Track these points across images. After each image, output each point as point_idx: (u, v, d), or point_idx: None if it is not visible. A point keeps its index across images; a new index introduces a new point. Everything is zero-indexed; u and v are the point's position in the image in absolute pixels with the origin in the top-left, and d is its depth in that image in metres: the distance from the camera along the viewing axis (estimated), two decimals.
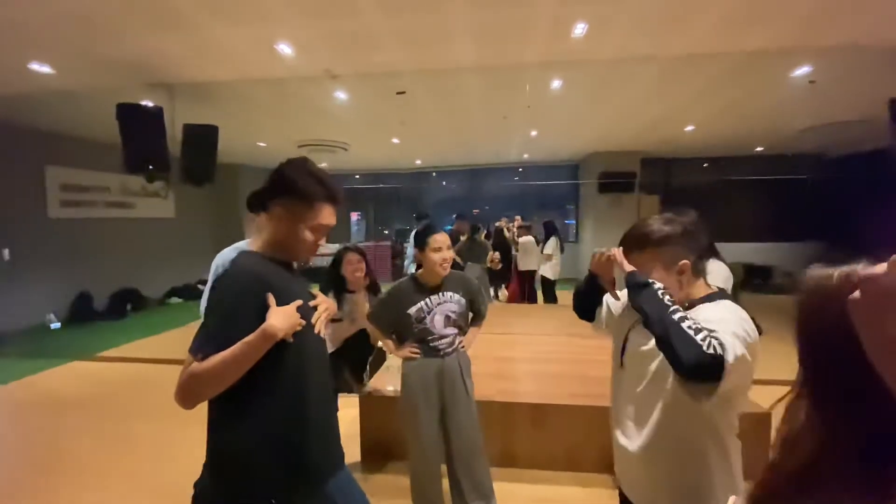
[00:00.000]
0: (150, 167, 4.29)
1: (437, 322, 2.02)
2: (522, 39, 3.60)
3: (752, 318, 1.15)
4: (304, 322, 1.11)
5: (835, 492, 0.44)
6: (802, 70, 4.39)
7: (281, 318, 1.05)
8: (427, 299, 2.02)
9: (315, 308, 1.22)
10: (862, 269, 0.47)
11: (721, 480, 1.12)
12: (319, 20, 3.21)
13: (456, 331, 2.07)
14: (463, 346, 2.12)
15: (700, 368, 0.93)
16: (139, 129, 4.19)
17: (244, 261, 1.13)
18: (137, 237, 8.05)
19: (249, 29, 3.33)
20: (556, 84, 4.82)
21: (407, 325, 2.04)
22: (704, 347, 0.93)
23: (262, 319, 1.04)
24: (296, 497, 1.09)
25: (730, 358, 0.92)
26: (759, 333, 1.41)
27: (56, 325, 6.53)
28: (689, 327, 0.96)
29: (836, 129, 6.75)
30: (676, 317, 0.98)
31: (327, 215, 1.18)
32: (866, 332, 0.42)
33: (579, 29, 3.39)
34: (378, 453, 2.73)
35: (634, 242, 1.21)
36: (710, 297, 1.17)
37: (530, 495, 2.43)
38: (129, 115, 4.20)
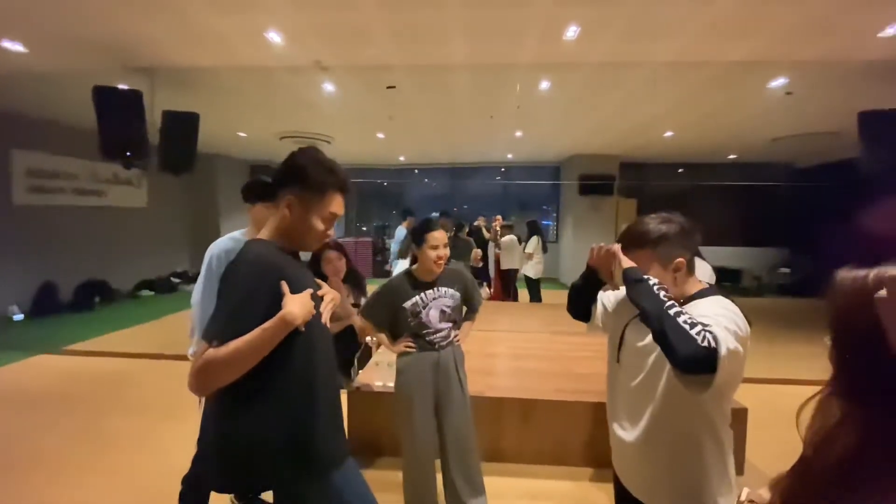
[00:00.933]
0: (128, 153, 4.12)
1: (432, 316, 2.03)
2: (515, 39, 3.63)
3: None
4: (315, 311, 1.10)
5: (873, 486, 0.46)
6: (779, 81, 4.58)
7: (298, 306, 1.04)
8: (422, 294, 2.02)
9: (321, 298, 1.21)
10: (893, 269, 0.49)
11: (716, 469, 1.17)
12: (313, 10, 3.16)
13: (451, 325, 2.09)
14: (458, 340, 2.14)
15: (695, 361, 0.97)
16: (117, 113, 4.02)
17: (257, 248, 1.11)
18: (107, 227, 7.73)
19: (239, 15, 3.25)
20: (544, 85, 4.88)
21: (402, 319, 2.04)
22: (699, 341, 0.96)
23: (277, 306, 1.03)
24: (302, 486, 1.08)
25: (723, 351, 0.96)
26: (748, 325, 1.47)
27: (19, 316, 6.22)
28: (685, 322, 0.99)
29: (806, 140, 7.06)
30: (672, 311, 1.02)
31: (337, 204, 1.19)
32: (893, 328, 0.44)
33: (572, 31, 3.44)
34: (367, 449, 2.71)
35: (633, 240, 1.24)
36: (702, 293, 1.21)
37: (518, 489, 2.46)
38: (107, 98, 4.02)
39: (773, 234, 9.75)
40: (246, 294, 1.03)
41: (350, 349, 3.00)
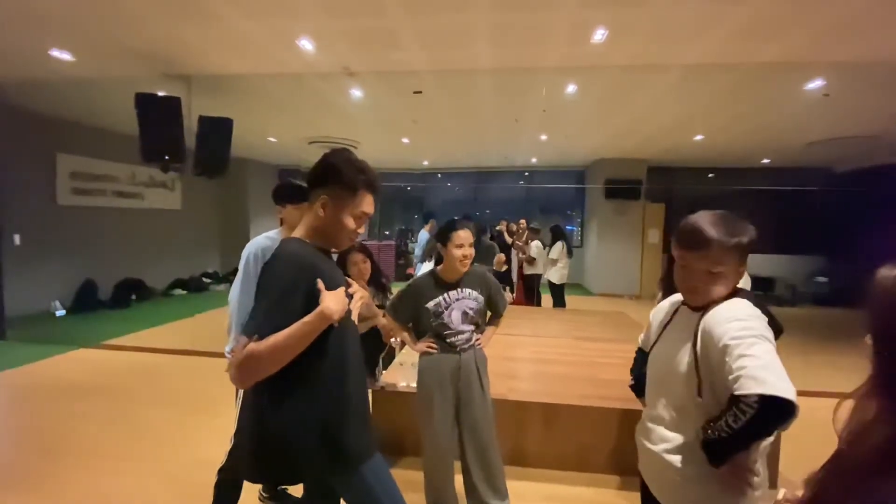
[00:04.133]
0: (167, 157, 4.30)
1: (454, 317, 2.03)
2: (542, 43, 3.63)
3: (773, 316, 1.17)
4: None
5: None
6: (815, 83, 4.43)
7: (335, 301, 1.08)
8: (446, 294, 2.03)
9: (351, 296, 1.25)
10: None
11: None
12: (343, 17, 3.25)
13: (473, 327, 2.08)
14: (480, 344, 2.13)
15: (777, 422, 0.96)
16: (157, 119, 4.21)
17: (293, 246, 1.16)
18: (143, 228, 8.07)
19: (273, 22, 3.36)
20: (570, 89, 4.85)
21: (425, 319, 2.05)
22: (757, 413, 0.93)
23: (313, 302, 1.07)
24: (334, 478, 1.11)
25: (775, 390, 0.93)
26: (781, 331, 1.42)
27: (61, 312, 6.54)
28: (737, 421, 0.96)
29: (843, 144, 6.79)
30: (732, 432, 0.98)
31: (368, 203, 1.23)
32: None
33: (599, 34, 3.42)
34: (390, 448, 2.74)
35: (726, 236, 1.11)
36: (729, 295, 1.19)
37: (540, 493, 2.44)
38: (148, 105, 4.23)
39: (809, 241, 9.36)
40: (284, 290, 1.07)
41: (375, 349, 3.04)
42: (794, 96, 4.83)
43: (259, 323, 1.04)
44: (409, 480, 2.52)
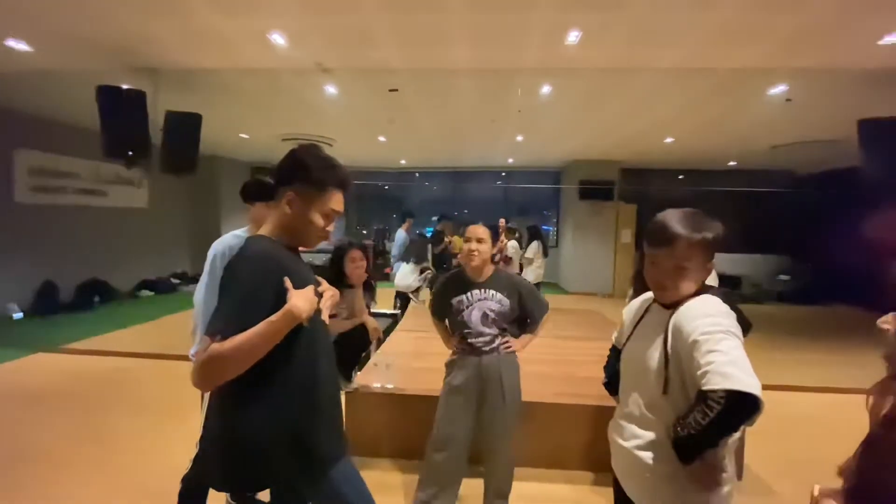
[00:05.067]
0: (131, 153, 4.13)
1: (473, 317, 2.01)
2: (518, 43, 3.65)
3: (741, 311, 1.20)
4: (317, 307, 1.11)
5: None
6: (779, 89, 4.60)
7: (303, 300, 1.05)
8: (469, 293, 2.02)
9: (321, 294, 1.22)
10: None
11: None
12: (317, 12, 3.18)
13: (496, 331, 2.03)
14: (507, 348, 2.06)
15: (743, 416, 0.96)
16: (120, 113, 4.04)
17: (259, 244, 1.12)
18: (108, 227, 7.73)
19: (244, 16, 3.26)
20: (546, 90, 4.89)
21: (450, 314, 2.07)
22: (726, 410, 0.95)
23: (280, 301, 1.04)
24: (301, 483, 1.08)
25: (741, 385, 0.94)
26: (749, 328, 1.46)
27: (18, 315, 6.21)
28: (704, 417, 0.97)
29: (806, 148, 7.08)
30: (700, 428, 0.99)
31: (337, 201, 1.20)
32: None
33: (573, 36, 3.46)
34: (364, 451, 2.70)
35: (692, 231, 1.13)
36: (697, 292, 1.21)
37: (517, 492, 2.42)
38: (111, 98, 4.05)
39: (774, 241, 9.75)
40: (249, 289, 1.04)
41: (357, 350, 2.99)
42: (759, 101, 5.00)
43: (222, 323, 1.00)
44: (383, 483, 2.50)
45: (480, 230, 2.00)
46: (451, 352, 2.15)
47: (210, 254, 1.92)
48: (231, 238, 1.95)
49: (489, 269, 2.06)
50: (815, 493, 0.69)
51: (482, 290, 2.02)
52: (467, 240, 1.99)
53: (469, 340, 2.03)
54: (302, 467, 1.08)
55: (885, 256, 5.91)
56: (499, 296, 2.02)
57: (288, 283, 1.06)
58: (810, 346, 5.80)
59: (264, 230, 1.18)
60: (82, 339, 5.24)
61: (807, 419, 3.56)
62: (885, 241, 5.69)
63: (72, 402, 3.56)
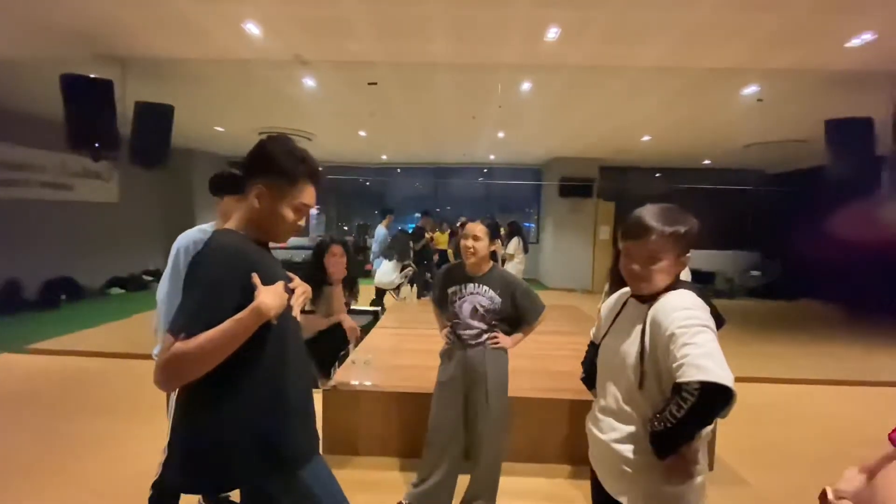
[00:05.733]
0: (97, 145, 3.97)
1: (464, 309, 2.06)
2: (498, 39, 3.64)
3: (715, 307, 1.22)
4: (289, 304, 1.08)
5: None
6: (751, 89, 4.71)
7: (272, 297, 1.01)
8: (464, 285, 2.07)
9: (293, 291, 1.18)
10: None
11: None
12: (293, 2, 3.11)
13: (483, 326, 2.06)
14: (493, 344, 2.07)
15: (717, 408, 0.98)
16: (86, 103, 3.87)
17: (224, 238, 1.07)
18: (75, 222, 7.43)
19: (217, 4, 3.16)
20: (526, 86, 4.90)
21: (445, 303, 2.13)
22: (700, 400, 0.96)
23: (246, 298, 1.00)
24: (270, 484, 1.05)
25: (715, 377, 0.96)
26: (723, 322, 1.49)
27: None
28: (679, 409, 0.99)
29: (776, 147, 7.29)
30: (676, 421, 1.01)
31: (309, 194, 1.16)
32: None
33: (552, 33, 3.47)
34: (342, 449, 2.67)
35: (664, 225, 1.16)
36: (673, 286, 1.23)
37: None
38: (75, 87, 3.87)
39: (746, 238, 10.04)
40: (213, 285, 0.99)
41: (336, 347, 2.96)
42: (732, 101, 5.12)
43: (185, 320, 0.96)
44: (362, 481, 2.47)
45: (478, 228, 2.02)
46: (444, 342, 2.21)
47: (173, 249, 1.85)
48: (196, 232, 1.89)
49: (487, 266, 2.10)
50: (830, 496, 0.67)
51: (476, 285, 2.07)
52: (464, 237, 2.03)
53: (458, 331, 2.09)
54: (270, 468, 1.05)
55: (850, 252, 6.16)
56: (491, 292, 2.05)
57: (256, 278, 1.02)
58: (779, 339, 5.99)
59: (231, 224, 1.14)
60: (48, 338, 5.03)
61: (774, 409, 3.67)
62: (849, 238, 5.93)
63: (36, 404, 3.42)
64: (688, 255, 1.19)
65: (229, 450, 1.01)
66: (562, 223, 9.66)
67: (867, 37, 3.36)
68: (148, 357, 1.95)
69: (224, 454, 1.01)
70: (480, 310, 2.05)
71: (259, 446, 1.03)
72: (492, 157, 10.24)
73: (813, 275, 7.81)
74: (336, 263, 2.62)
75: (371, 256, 7.04)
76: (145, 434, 2.83)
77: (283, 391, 1.08)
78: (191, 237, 1.86)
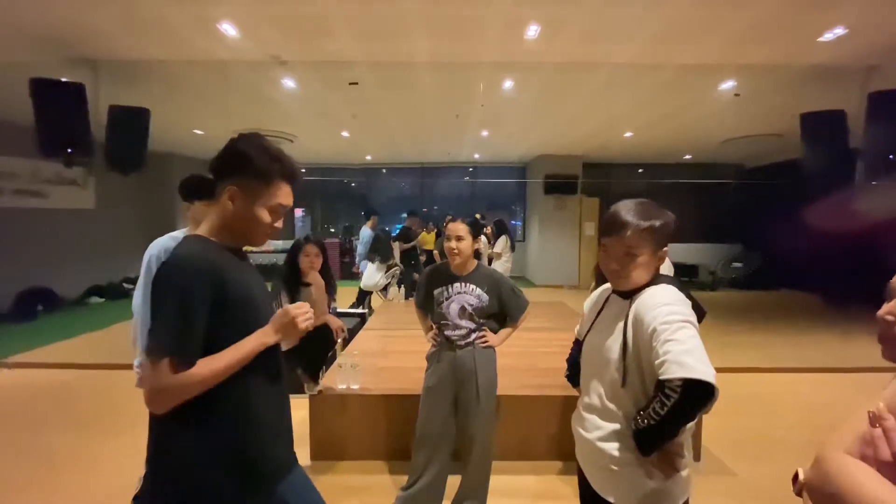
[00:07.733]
0: (70, 151, 3.85)
1: (452, 310, 2.03)
2: (477, 37, 3.63)
3: (695, 300, 1.23)
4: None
5: None
6: (727, 84, 4.79)
7: (281, 330, 1.06)
8: (450, 285, 2.04)
9: (271, 294, 1.15)
10: None
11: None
12: (268, 1, 3.05)
13: (472, 325, 2.04)
14: (482, 343, 2.07)
15: (699, 404, 0.99)
16: (57, 107, 3.75)
17: (189, 246, 1.01)
18: (50, 230, 7.21)
19: (191, 4, 3.09)
20: (508, 84, 4.91)
21: (431, 305, 2.10)
22: (682, 399, 0.97)
23: (218, 307, 0.96)
24: (246, 501, 1.01)
25: (697, 374, 0.97)
26: (704, 315, 1.50)
27: None
28: (663, 406, 1.00)
29: (753, 142, 7.44)
30: (659, 418, 1.02)
31: (285, 194, 1.11)
32: None
33: (532, 31, 3.47)
34: (328, 454, 2.64)
35: (639, 219, 1.16)
36: (653, 281, 1.23)
37: None
38: (46, 92, 3.74)
39: (727, 230, 10.23)
40: (183, 300, 0.94)
41: (321, 351, 2.92)
42: (710, 97, 5.20)
43: (171, 342, 0.92)
44: (349, 486, 2.44)
45: (460, 228, 2.00)
46: (430, 345, 2.17)
47: (146, 257, 1.81)
48: (167, 240, 1.84)
49: (472, 265, 2.08)
50: (802, 478, 0.65)
51: (462, 284, 2.04)
52: (447, 238, 2.00)
53: (446, 333, 2.05)
54: (244, 485, 1.01)
55: (826, 244, 6.30)
56: (478, 290, 2.03)
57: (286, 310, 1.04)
58: (760, 329, 6.11)
59: (202, 230, 1.08)
60: (23, 351, 4.88)
61: (757, 398, 3.74)
62: (826, 229, 6.07)
63: (11, 419, 3.30)
64: (665, 248, 1.19)
65: (198, 468, 0.98)
66: (547, 220, 9.72)
67: (839, 31, 3.44)
68: (128, 367, 1.89)
69: (194, 474, 0.98)
70: (469, 308, 2.03)
71: (230, 463, 1.00)
72: (476, 155, 10.25)
73: (792, 265, 7.98)
74: (308, 262, 2.59)
75: (357, 259, 6.98)
76: (126, 447, 2.75)
77: (252, 405, 1.04)
78: (162, 245, 1.82)
